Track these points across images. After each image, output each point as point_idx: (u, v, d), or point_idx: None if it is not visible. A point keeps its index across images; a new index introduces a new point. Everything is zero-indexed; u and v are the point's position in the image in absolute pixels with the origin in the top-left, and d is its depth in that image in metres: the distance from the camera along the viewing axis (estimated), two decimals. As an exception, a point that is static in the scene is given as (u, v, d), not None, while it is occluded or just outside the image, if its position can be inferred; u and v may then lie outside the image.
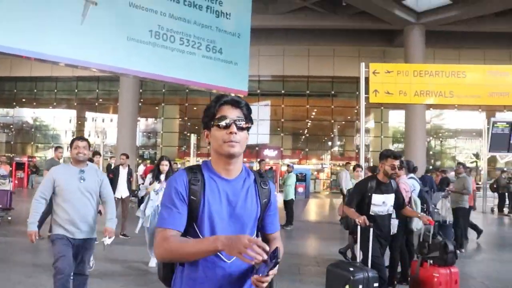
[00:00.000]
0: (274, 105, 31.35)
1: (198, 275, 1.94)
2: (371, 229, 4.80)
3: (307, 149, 32.37)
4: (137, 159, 27.64)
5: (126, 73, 10.44)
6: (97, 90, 32.27)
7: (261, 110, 30.21)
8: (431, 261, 4.88)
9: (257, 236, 2.15)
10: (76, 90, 32.53)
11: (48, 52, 8.40)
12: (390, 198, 5.01)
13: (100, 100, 32.96)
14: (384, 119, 31.03)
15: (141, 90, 28.42)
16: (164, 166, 7.27)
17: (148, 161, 23.85)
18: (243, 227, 2.01)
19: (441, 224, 9.73)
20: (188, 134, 32.50)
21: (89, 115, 34.34)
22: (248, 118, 2.04)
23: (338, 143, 34.65)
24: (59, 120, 34.02)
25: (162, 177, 7.24)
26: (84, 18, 8.73)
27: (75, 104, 33.57)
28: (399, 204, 5.15)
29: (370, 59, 28.33)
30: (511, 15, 22.70)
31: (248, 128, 2.03)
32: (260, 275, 1.74)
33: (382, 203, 4.94)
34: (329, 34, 26.37)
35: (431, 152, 32.50)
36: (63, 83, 32.38)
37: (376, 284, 4.44)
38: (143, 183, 8.99)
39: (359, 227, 4.88)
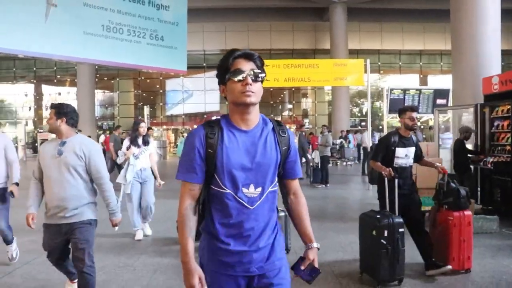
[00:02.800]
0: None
1: (226, 220, 2.00)
2: (396, 180, 4.90)
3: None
4: (97, 130, 28.54)
5: (84, 62, 11.99)
6: (54, 68, 32.82)
7: (207, 81, 31.62)
8: (446, 206, 4.99)
9: (278, 183, 2.15)
10: (34, 68, 32.73)
11: (17, 48, 9.97)
12: (411, 151, 5.08)
13: (58, 76, 33.33)
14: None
15: (96, 66, 29.28)
16: (142, 129, 6.79)
17: (108, 132, 25.23)
18: (265, 175, 2.02)
19: (315, 168, 12.82)
20: (142, 105, 34.01)
21: (47, 89, 34.42)
22: (261, 69, 2.02)
23: (288, 107, 36.50)
24: (18, 96, 34.07)
25: (140, 141, 6.75)
26: (47, 18, 10.23)
27: (34, 81, 33.68)
28: (418, 155, 5.21)
29: (303, 33, 30.70)
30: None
31: (262, 79, 2.01)
32: (298, 274, 2.10)
33: (404, 155, 5.01)
34: (265, 12, 27.78)
35: (358, 114, 35.34)
36: (21, 62, 32.27)
37: (401, 229, 4.51)
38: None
39: (386, 179, 4.91)
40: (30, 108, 34.15)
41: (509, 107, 8.02)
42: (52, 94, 34.12)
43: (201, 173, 2.01)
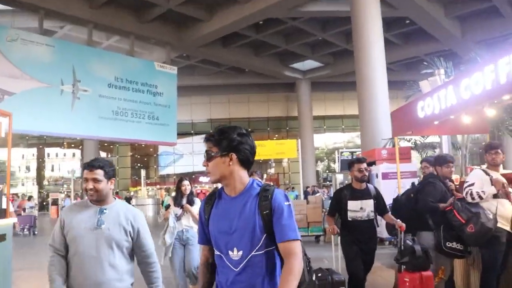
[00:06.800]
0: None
1: (220, 279, 2.07)
2: (335, 235, 4.74)
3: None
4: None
5: (97, 139, 14.97)
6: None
7: (195, 146, 33.80)
8: (404, 267, 4.44)
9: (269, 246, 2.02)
10: (45, 137, 35.08)
11: (51, 131, 12.75)
12: (368, 203, 4.68)
13: (65, 143, 35.90)
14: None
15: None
16: (186, 187, 5.74)
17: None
18: (243, 239, 1.98)
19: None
20: (139, 167, 36.39)
21: (52, 150, 37.14)
22: (218, 146, 2.00)
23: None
24: (28, 160, 36.51)
25: (184, 200, 5.68)
26: (73, 108, 12.92)
27: (42, 146, 36.17)
28: (380, 209, 4.79)
29: (277, 103, 33.98)
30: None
31: (213, 156, 2.01)
32: None
33: (359, 208, 4.65)
34: (243, 87, 30.49)
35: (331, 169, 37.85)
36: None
37: None
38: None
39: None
40: (28, 169, 36.52)
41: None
42: (59, 154, 36.70)
43: (206, 236, 2.14)
